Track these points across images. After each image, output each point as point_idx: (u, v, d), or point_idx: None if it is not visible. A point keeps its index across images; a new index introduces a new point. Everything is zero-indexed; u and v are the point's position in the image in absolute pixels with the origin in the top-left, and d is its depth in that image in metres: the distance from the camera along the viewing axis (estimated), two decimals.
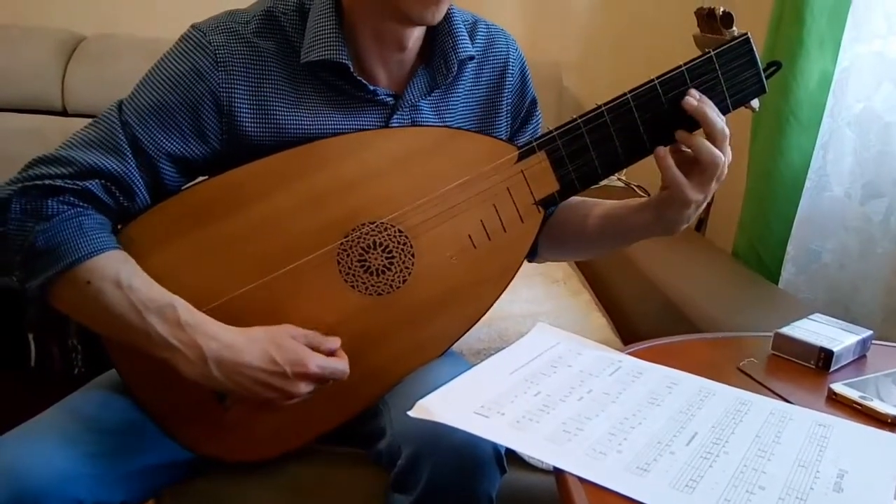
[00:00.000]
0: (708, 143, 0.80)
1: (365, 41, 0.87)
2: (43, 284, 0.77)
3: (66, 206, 0.78)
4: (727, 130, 0.81)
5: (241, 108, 0.84)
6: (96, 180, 0.80)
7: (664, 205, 0.84)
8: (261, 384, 0.78)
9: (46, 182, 0.78)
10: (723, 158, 0.80)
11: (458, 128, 0.94)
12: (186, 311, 0.78)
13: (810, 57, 1.28)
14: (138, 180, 0.82)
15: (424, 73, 0.91)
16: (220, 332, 0.78)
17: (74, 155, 0.80)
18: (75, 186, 0.79)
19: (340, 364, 0.82)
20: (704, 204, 0.84)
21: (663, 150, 0.82)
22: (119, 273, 0.77)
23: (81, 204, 0.79)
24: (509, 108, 0.98)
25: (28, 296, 0.78)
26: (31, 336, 1.11)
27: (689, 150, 0.82)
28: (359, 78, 0.86)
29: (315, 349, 0.81)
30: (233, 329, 0.79)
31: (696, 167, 0.81)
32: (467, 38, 0.91)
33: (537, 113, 1.02)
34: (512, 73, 0.98)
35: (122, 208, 0.82)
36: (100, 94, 1.75)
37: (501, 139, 0.94)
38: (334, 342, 0.83)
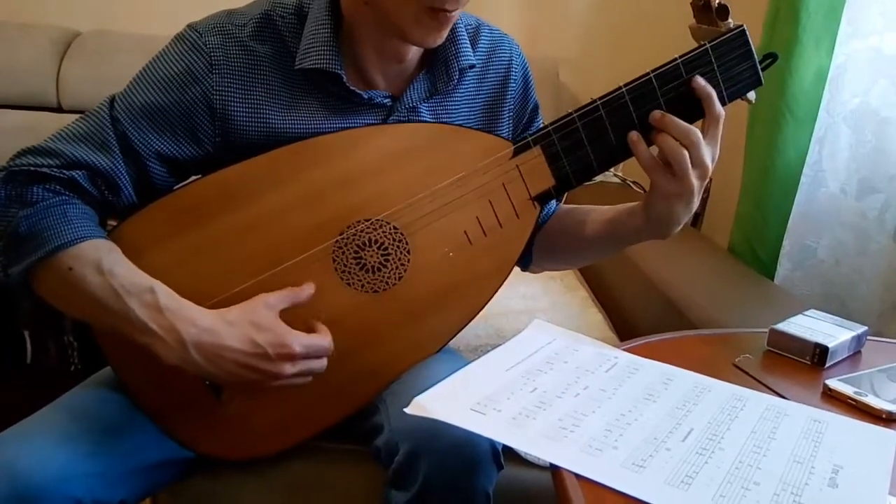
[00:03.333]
0: (669, 139, 0.80)
1: (364, 50, 0.87)
2: (25, 270, 0.76)
3: (50, 194, 0.78)
4: (695, 134, 0.79)
5: (235, 111, 0.84)
6: (82, 171, 0.80)
7: (650, 199, 0.84)
8: (243, 367, 0.77)
9: (32, 169, 0.78)
10: (685, 155, 0.79)
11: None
12: (166, 295, 0.77)
13: (806, 53, 1.28)
14: (124, 176, 0.82)
15: (425, 79, 0.90)
16: (198, 316, 0.77)
17: (62, 147, 0.80)
18: (61, 175, 0.79)
19: (324, 340, 0.81)
20: (693, 203, 0.83)
21: (636, 135, 0.82)
22: (101, 259, 0.76)
23: (66, 193, 0.79)
24: (511, 113, 0.98)
25: (11, 282, 0.78)
26: (26, 333, 1.11)
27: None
28: (352, 88, 0.86)
29: (295, 306, 0.81)
30: (212, 313, 0.78)
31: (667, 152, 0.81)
32: (469, 45, 0.91)
33: (539, 119, 1.02)
34: (514, 79, 0.97)
35: (107, 201, 0.82)
36: (95, 91, 1.73)
37: (497, 135, 0.94)
38: (309, 287, 0.82)
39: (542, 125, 1.02)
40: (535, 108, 1.01)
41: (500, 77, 0.96)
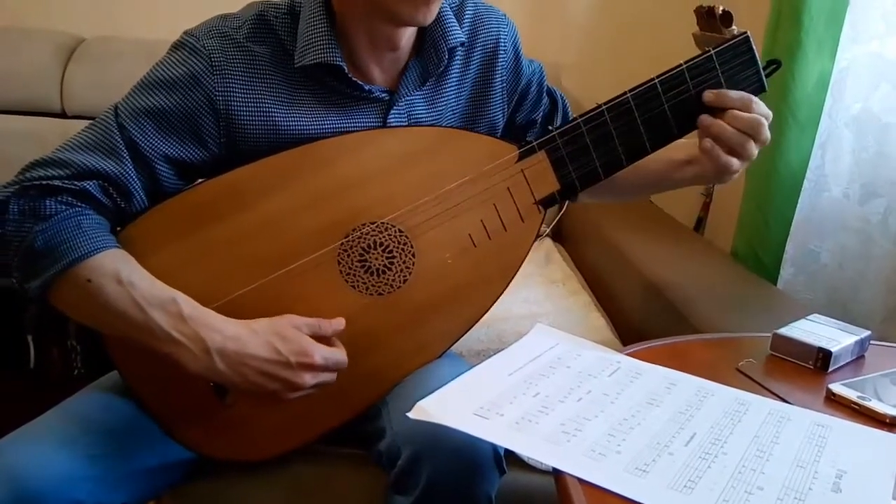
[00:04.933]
0: (730, 128, 0.82)
1: (358, 41, 0.87)
2: (43, 285, 0.77)
3: (63, 206, 0.78)
4: (747, 95, 0.83)
5: (238, 111, 0.84)
6: (94, 181, 0.80)
7: (716, 173, 0.86)
8: (265, 375, 0.78)
9: (44, 182, 0.78)
10: (758, 119, 0.82)
11: (452, 117, 0.94)
12: (188, 304, 0.78)
13: (808, 58, 1.28)
14: (135, 182, 0.82)
15: (416, 65, 0.91)
16: (222, 324, 0.78)
17: (72, 157, 0.80)
18: (73, 186, 0.79)
19: (342, 355, 0.82)
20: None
21: (709, 143, 0.83)
22: (119, 270, 0.77)
23: (79, 204, 0.79)
24: (504, 85, 0.97)
25: (29, 297, 0.78)
26: (30, 337, 1.11)
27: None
28: (353, 78, 0.86)
29: (320, 336, 0.82)
30: (235, 321, 0.79)
31: (729, 144, 0.83)
32: (456, 23, 0.91)
33: (533, 88, 1.01)
34: (505, 50, 0.96)
35: (120, 209, 0.82)
36: (99, 97, 1.74)
37: (498, 137, 0.94)
38: (339, 323, 0.83)
39: (542, 91, 1.01)
40: (531, 77, 1.00)
41: (490, 50, 0.96)
